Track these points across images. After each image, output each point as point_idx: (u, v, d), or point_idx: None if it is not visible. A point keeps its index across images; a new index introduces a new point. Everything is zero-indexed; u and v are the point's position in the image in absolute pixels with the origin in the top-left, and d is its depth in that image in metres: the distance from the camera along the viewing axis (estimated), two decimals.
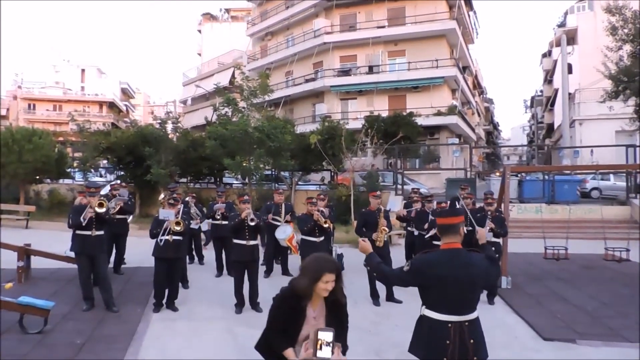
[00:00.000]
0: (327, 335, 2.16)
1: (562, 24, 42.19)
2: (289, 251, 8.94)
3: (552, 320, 6.48)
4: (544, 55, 49.62)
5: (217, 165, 17.09)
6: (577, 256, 9.72)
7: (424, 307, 3.14)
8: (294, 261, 8.75)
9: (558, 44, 33.62)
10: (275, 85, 29.80)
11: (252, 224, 6.69)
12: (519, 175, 17.75)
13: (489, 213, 7.51)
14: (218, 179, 19.01)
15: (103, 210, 6.51)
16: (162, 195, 7.91)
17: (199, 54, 53.29)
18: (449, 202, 9.85)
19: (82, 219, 6.43)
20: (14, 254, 8.09)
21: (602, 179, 20.15)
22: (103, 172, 19.42)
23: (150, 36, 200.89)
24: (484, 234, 3.60)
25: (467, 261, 3.07)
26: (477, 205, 9.25)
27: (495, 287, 7.46)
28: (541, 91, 53.56)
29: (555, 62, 39.36)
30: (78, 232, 6.60)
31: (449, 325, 3.00)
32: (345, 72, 31.85)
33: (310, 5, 32.92)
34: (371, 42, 30.27)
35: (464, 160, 29.93)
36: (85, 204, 6.71)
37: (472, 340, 3.01)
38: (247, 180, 16.42)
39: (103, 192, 8.35)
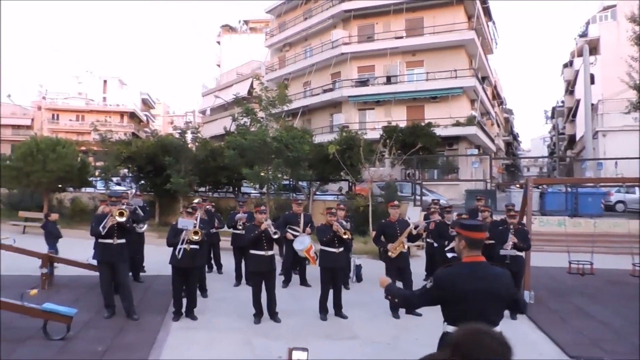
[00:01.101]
0: (301, 355, 2.01)
1: (584, 34, 41.68)
2: (306, 262, 8.91)
3: (578, 337, 6.32)
4: (565, 66, 49.00)
5: (235, 175, 17.19)
6: (603, 271, 9.47)
7: (445, 323, 3.07)
8: (313, 271, 8.71)
9: (580, 54, 33.20)
10: (293, 95, 29.95)
11: (276, 237, 6.69)
12: (540, 187, 17.43)
13: (512, 226, 7.38)
14: (236, 189, 19.12)
15: (123, 219, 6.60)
16: (196, 200, 8.03)
17: (218, 65, 54.06)
18: (464, 214, 9.74)
19: (101, 228, 6.52)
20: (38, 260, 8.23)
21: (627, 192, 19.68)
22: (128, 181, 19.64)
23: (170, 48, 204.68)
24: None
25: (491, 274, 3.01)
26: (495, 217, 9.13)
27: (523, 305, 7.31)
28: (562, 102, 52.80)
29: (577, 72, 38.82)
30: (100, 240, 6.70)
31: None
32: (363, 83, 31.91)
33: (328, 16, 33.17)
34: (389, 53, 30.31)
35: (483, 171, 29.56)
36: (106, 213, 6.80)
37: None
38: (265, 190, 16.47)
39: None
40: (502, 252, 7.18)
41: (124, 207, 6.93)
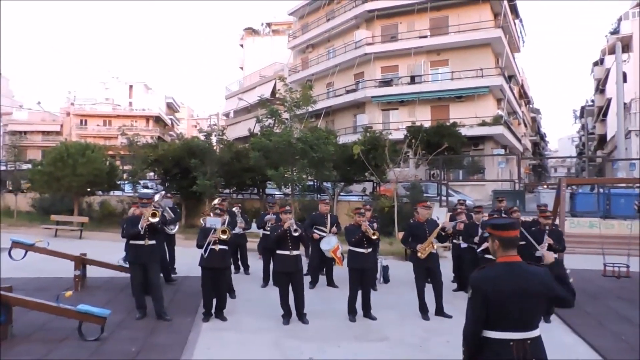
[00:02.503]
0: None
1: (615, 31, 40.67)
2: (333, 262, 8.87)
3: (616, 342, 6.11)
4: (596, 64, 47.84)
5: (259, 176, 17.28)
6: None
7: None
8: (340, 272, 8.68)
9: (611, 52, 32.34)
10: (317, 96, 30.02)
11: (296, 234, 6.69)
12: (570, 188, 16.99)
13: (547, 227, 7.18)
14: (261, 190, 19.23)
15: (156, 220, 6.70)
16: (216, 201, 8.13)
17: (241, 68, 54.51)
18: (495, 214, 9.54)
19: (139, 228, 6.65)
20: (71, 263, 8.41)
21: None
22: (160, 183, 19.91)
23: (194, 52, 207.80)
24: (550, 256, 3.40)
25: (528, 274, 2.92)
26: (524, 218, 8.93)
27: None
28: (592, 101, 51.54)
29: (608, 70, 37.80)
30: (131, 242, 6.81)
31: (511, 343, 2.85)
32: (386, 83, 31.73)
33: (351, 17, 33.11)
34: (413, 52, 30.06)
35: (510, 171, 29.05)
36: (138, 215, 6.91)
37: None
38: (289, 191, 16.51)
39: None
40: (538, 253, 6.99)
41: (156, 208, 7.04)
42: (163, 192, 11.63)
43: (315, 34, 37.08)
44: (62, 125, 63.08)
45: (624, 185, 17.17)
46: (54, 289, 7.42)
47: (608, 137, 39.67)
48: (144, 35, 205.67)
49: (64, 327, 5.95)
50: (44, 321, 6.24)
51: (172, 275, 9.41)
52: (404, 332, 6.48)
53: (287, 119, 16.33)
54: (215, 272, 6.79)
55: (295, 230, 6.67)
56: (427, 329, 6.64)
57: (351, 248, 7.06)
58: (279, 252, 6.79)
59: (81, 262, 8.38)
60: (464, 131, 24.15)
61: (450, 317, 7.00)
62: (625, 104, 27.08)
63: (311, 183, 18.28)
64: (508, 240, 3.03)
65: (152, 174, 20.82)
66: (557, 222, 8.17)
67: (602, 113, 42.91)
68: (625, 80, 27.87)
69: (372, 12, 31.69)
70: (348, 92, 33.13)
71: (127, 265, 7.45)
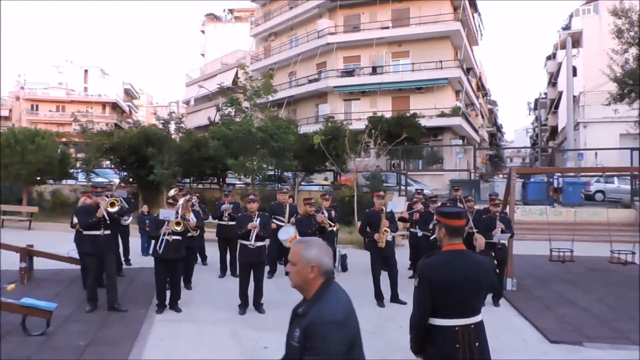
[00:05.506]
0: None
1: (567, 27, 42.24)
2: None
3: (559, 323, 6.42)
4: (549, 58, 49.55)
5: (220, 166, 17.05)
6: (583, 258, 9.67)
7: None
8: None
9: (563, 47, 33.53)
10: (279, 85, 29.80)
11: (258, 243, 6.70)
12: (522, 177, 17.67)
13: (498, 213, 7.47)
14: (221, 180, 18.99)
15: (115, 209, 6.52)
16: (171, 192, 7.99)
17: (202, 55, 53.40)
18: (449, 203, 9.81)
19: (93, 219, 6.43)
20: (17, 255, 8.05)
21: (606, 182, 20.04)
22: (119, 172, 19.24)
23: (153, 37, 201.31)
24: (482, 242, 3.49)
25: (473, 262, 2.98)
26: (478, 206, 9.23)
27: (500, 289, 7.39)
28: (545, 94, 53.43)
29: (560, 64, 39.24)
30: (87, 232, 6.59)
31: (456, 328, 2.92)
32: (348, 73, 31.84)
33: (314, 5, 32.92)
34: (375, 43, 30.25)
35: (467, 161, 29.84)
36: (92, 204, 6.68)
37: (477, 343, 2.93)
38: (250, 181, 16.38)
39: None
40: (496, 237, 7.26)
41: (115, 197, 6.87)
42: (117, 182, 11.27)
43: (278, 22, 36.69)
44: (11, 110, 59.91)
45: (572, 174, 18.00)
46: None
47: (559, 129, 41.32)
48: (101, 17, 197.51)
49: (6, 322, 5.67)
50: None
51: (125, 267, 9.19)
52: (360, 319, 6.55)
53: (247, 107, 16.14)
54: (169, 263, 6.67)
55: (261, 237, 6.70)
56: (382, 315, 6.77)
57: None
58: (242, 242, 6.76)
59: (27, 254, 8.02)
60: (424, 122, 24.61)
61: (405, 303, 7.15)
62: (574, 96, 28.26)
63: (272, 173, 18.19)
64: (453, 229, 3.06)
65: (107, 162, 20.18)
66: (507, 210, 8.47)
67: (554, 105, 44.60)
68: (575, 74, 29.10)
69: (334, 1, 31.60)
70: (310, 81, 33.04)
71: (78, 257, 7.21)
